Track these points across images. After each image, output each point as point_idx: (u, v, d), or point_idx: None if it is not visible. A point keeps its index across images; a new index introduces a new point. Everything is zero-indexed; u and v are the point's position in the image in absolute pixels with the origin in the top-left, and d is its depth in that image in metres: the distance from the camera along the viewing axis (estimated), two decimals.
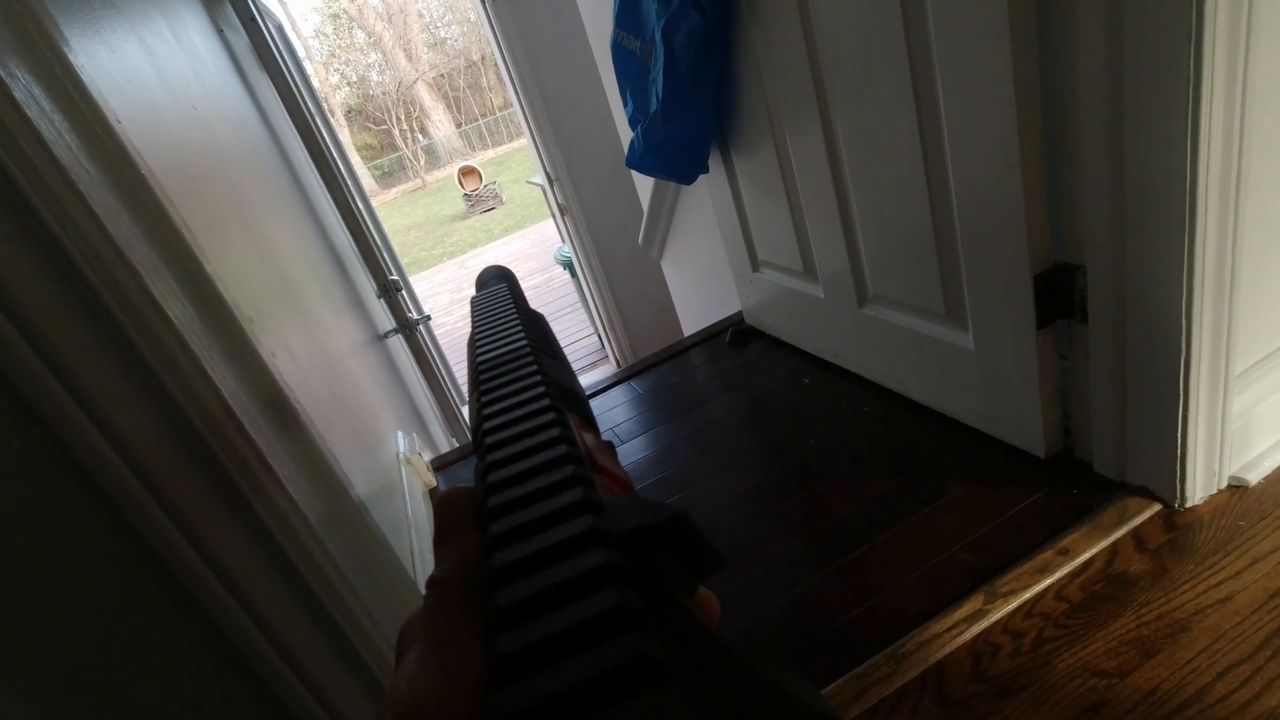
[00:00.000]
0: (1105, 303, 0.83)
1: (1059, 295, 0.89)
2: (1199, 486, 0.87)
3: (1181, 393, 0.80)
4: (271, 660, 0.47)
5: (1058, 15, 0.75)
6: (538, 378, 0.21)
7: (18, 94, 0.34)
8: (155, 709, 0.42)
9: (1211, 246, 0.73)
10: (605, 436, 1.50)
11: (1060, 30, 0.75)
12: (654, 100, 1.29)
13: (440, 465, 1.62)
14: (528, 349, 0.23)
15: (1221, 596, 0.77)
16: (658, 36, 1.21)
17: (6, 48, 0.37)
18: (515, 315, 0.27)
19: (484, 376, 0.22)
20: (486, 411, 0.20)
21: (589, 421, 0.25)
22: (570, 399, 0.23)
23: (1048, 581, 0.85)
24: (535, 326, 0.27)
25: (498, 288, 0.32)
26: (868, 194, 1.11)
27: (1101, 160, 0.76)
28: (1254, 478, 0.88)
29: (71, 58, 0.43)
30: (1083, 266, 0.85)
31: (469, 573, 0.17)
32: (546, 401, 0.20)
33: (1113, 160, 0.75)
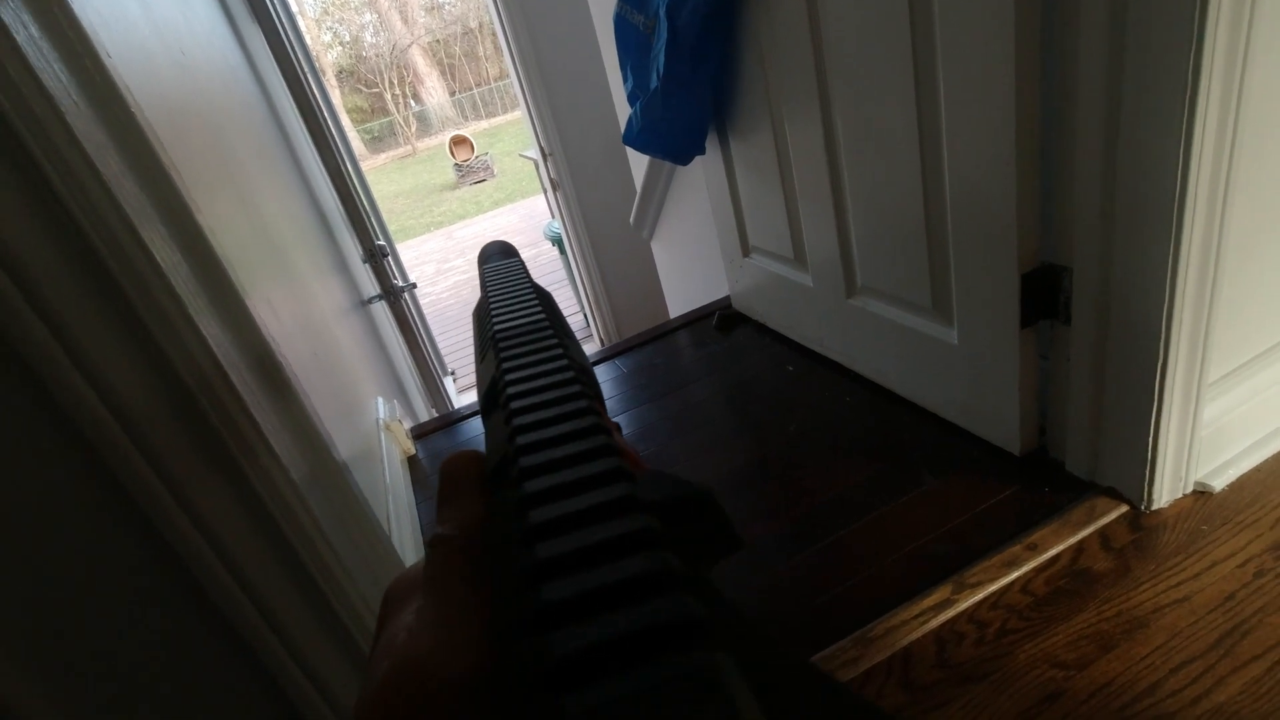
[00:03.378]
0: (1089, 306, 0.85)
1: (1044, 295, 0.90)
2: (1165, 490, 0.89)
3: (1156, 399, 0.82)
4: (247, 612, 0.47)
5: (1062, 18, 0.75)
6: (559, 349, 0.21)
7: (6, 17, 0.33)
8: (128, 658, 0.42)
9: (1195, 257, 0.74)
10: None
11: (1063, 33, 0.75)
12: (654, 77, 1.27)
13: (420, 434, 1.62)
14: (546, 322, 0.23)
15: (1180, 596, 0.79)
16: (662, 12, 1.20)
17: None
18: (532, 289, 0.27)
19: (505, 344, 0.22)
20: (511, 377, 0.20)
21: (600, 401, 0.26)
22: (585, 375, 0.23)
23: (1014, 575, 0.87)
24: (548, 303, 0.27)
25: (511, 261, 0.32)
26: (862, 184, 1.12)
27: (1094, 165, 0.77)
28: (1219, 484, 0.90)
29: None
30: (1069, 269, 0.86)
31: (473, 534, 0.17)
32: (571, 373, 0.20)
33: (1105, 166, 0.76)
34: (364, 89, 18.36)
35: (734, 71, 1.30)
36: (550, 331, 0.22)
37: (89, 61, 0.40)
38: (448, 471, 0.20)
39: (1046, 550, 0.89)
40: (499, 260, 0.34)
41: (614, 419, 1.49)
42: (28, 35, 0.35)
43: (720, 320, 1.69)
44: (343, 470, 0.63)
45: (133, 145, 0.43)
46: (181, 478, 0.42)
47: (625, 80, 1.40)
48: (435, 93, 18.77)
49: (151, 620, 0.44)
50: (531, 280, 0.29)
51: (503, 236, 7.57)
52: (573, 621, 0.12)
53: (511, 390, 0.19)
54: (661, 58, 1.23)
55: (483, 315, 0.26)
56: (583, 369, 0.23)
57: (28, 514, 0.38)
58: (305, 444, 0.53)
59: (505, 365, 0.21)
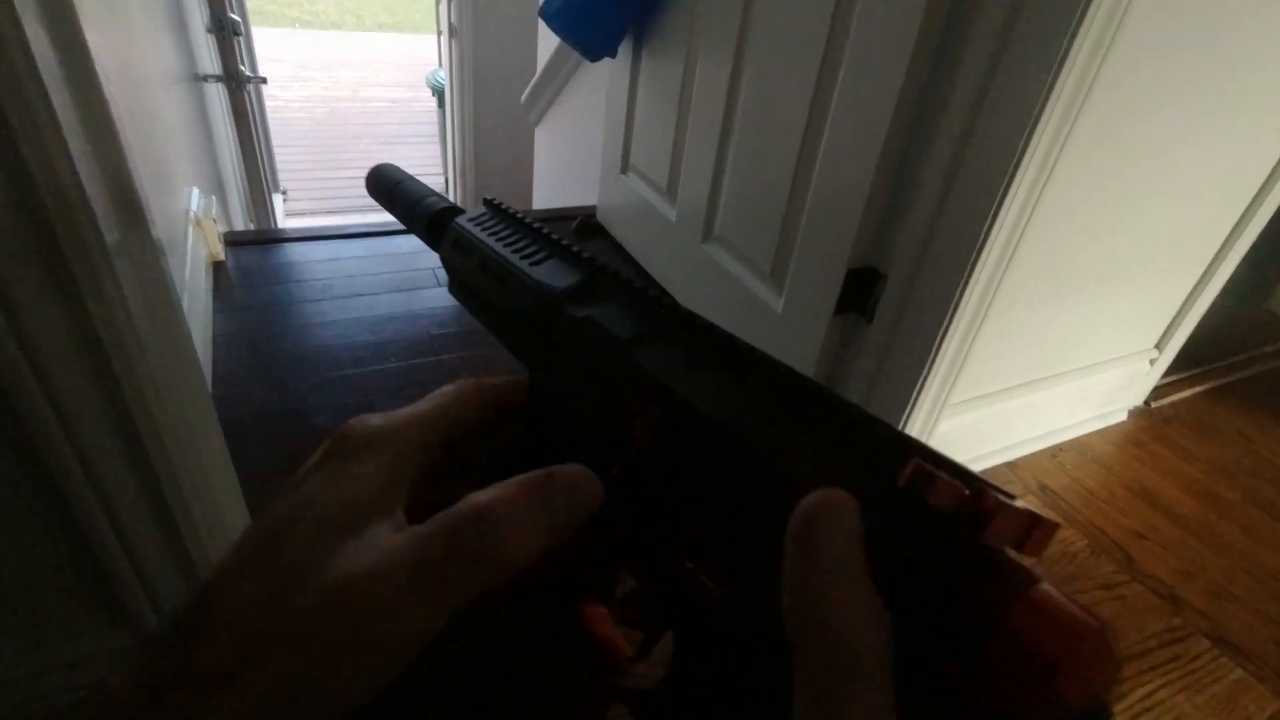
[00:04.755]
0: (889, 312, 0.98)
1: (860, 293, 1.03)
2: None
3: (911, 401, 0.97)
4: (40, 408, 0.43)
5: (947, 62, 0.83)
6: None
7: None
8: None
9: (974, 298, 0.88)
10: (424, 276, 1.46)
11: (944, 77, 0.84)
12: None
13: (234, 241, 1.48)
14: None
15: None
16: None
17: None
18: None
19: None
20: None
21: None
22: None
23: None
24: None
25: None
26: (747, 142, 1.17)
27: (932, 199, 0.88)
28: None
29: None
30: (886, 276, 0.98)
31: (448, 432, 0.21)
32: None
33: (938, 202, 0.87)
34: None
35: None
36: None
37: None
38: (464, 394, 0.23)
39: None
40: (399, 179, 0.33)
41: (435, 288, 1.45)
42: None
43: (580, 226, 1.70)
44: (159, 251, 0.57)
45: None
46: None
47: None
48: None
49: None
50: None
51: (379, 68, 6.80)
52: None
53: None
54: None
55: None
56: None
57: None
58: (119, 199, 0.48)
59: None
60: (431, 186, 0.34)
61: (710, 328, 0.21)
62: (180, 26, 1.77)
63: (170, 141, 1.31)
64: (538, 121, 2.30)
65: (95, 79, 0.47)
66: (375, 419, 0.20)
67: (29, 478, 0.50)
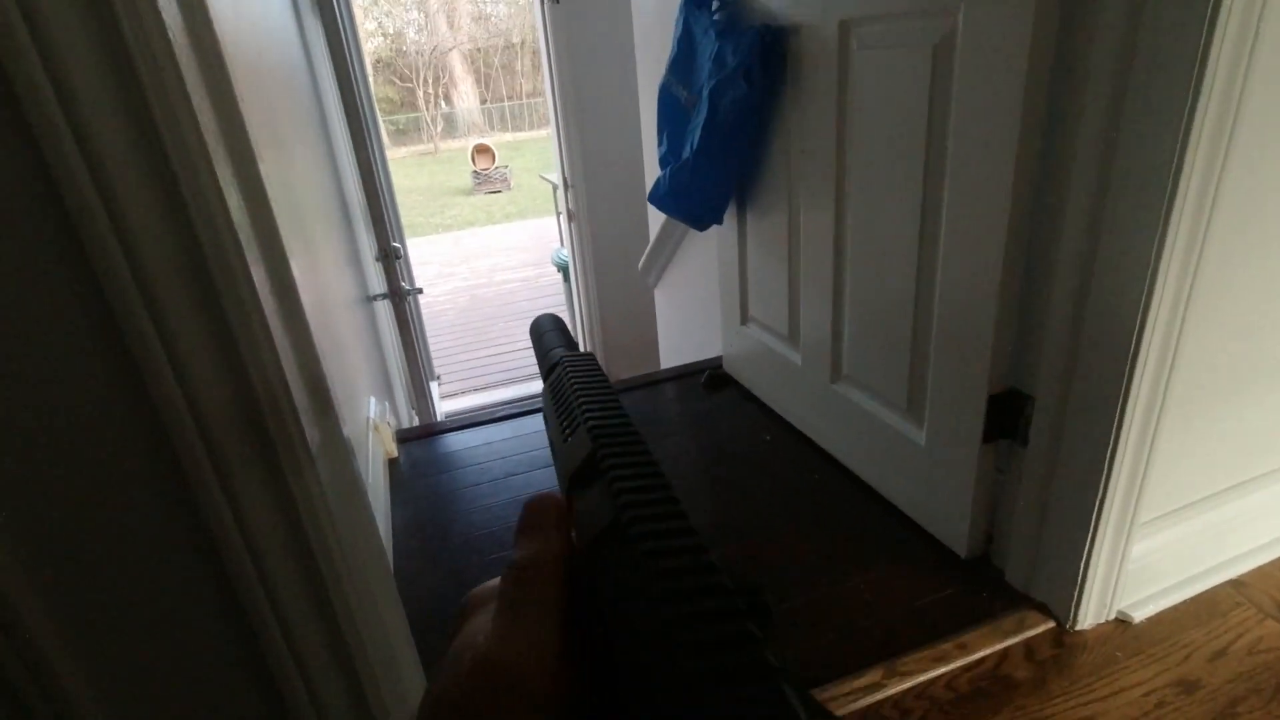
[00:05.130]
0: (1044, 434, 0.93)
1: (1008, 417, 0.99)
2: (1090, 614, 0.97)
3: (1091, 528, 0.89)
4: (244, 563, 0.52)
5: (1056, 179, 0.85)
6: (662, 478, 0.21)
7: None
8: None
9: (1141, 406, 0.83)
10: None
11: (1055, 192, 0.85)
12: (688, 148, 1.37)
13: (403, 439, 1.66)
14: (643, 444, 0.24)
15: (1086, 715, 0.86)
16: (705, 93, 1.30)
17: None
18: (620, 408, 0.27)
19: (624, 433, 0.24)
20: (623, 462, 0.22)
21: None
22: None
23: (942, 670, 0.93)
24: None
25: (592, 360, 0.32)
26: (862, 281, 1.20)
27: (1066, 310, 0.85)
28: (1139, 616, 0.98)
29: None
30: (1033, 397, 0.94)
31: (551, 564, 0.20)
32: (680, 508, 0.20)
33: (1075, 313, 0.85)
34: (398, 82, 18.60)
35: (762, 156, 1.40)
36: (646, 449, 0.23)
37: (199, 16, 0.47)
38: (533, 508, 0.22)
39: (975, 651, 0.95)
40: (556, 335, 0.37)
41: None
42: None
43: (709, 379, 1.76)
44: (350, 452, 0.67)
45: (218, 86, 0.49)
46: (205, 406, 0.47)
47: (660, 143, 1.50)
48: (467, 97, 19.05)
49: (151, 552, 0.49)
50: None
51: (510, 252, 7.56)
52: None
53: (631, 476, 0.21)
54: (698, 133, 1.32)
55: (570, 391, 0.28)
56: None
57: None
58: (319, 409, 0.58)
59: (628, 453, 0.23)
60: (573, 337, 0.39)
61: (684, 532, 0.19)
62: (356, 259, 2.11)
63: (353, 358, 1.54)
64: (656, 284, 2.46)
65: (300, 307, 0.59)
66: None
67: (235, 641, 0.57)
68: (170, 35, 0.43)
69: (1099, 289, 0.81)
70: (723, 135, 1.31)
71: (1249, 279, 0.85)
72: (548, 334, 0.38)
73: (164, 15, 0.43)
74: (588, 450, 0.23)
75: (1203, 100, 0.68)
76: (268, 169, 0.60)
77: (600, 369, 0.31)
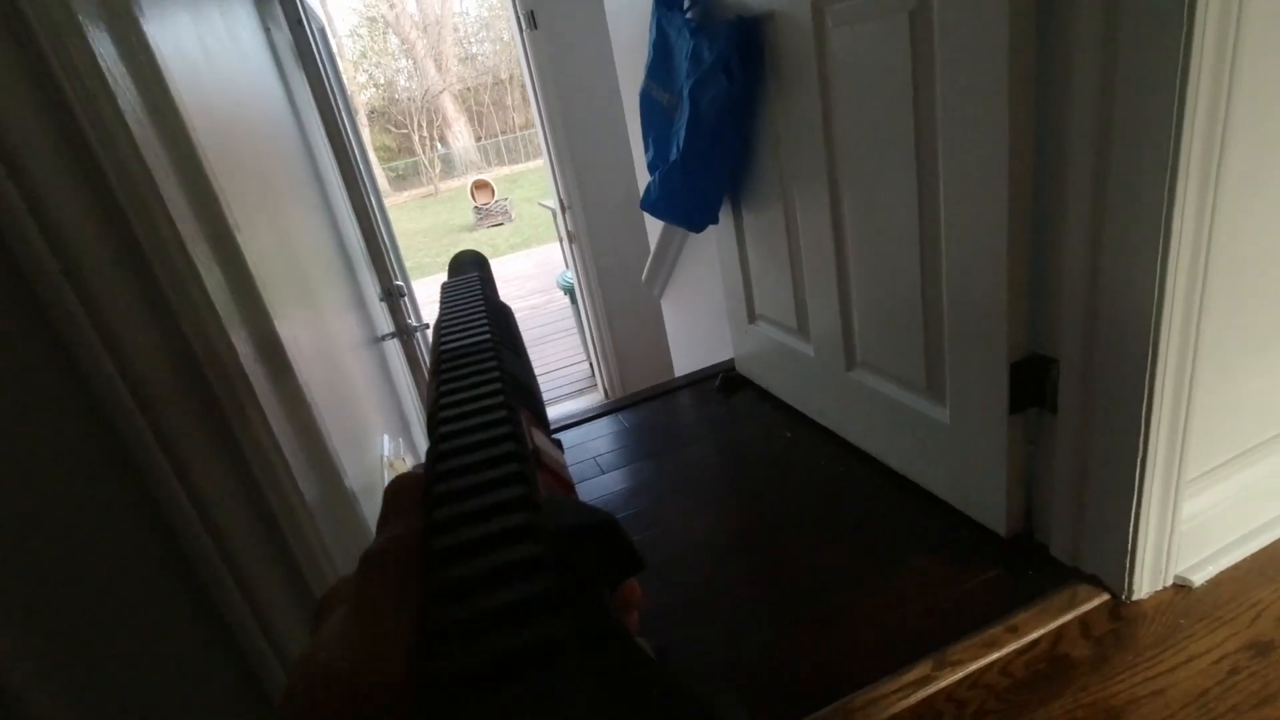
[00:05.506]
0: (1073, 397, 0.89)
1: (1032, 384, 0.94)
2: (1146, 582, 0.91)
3: (1136, 491, 0.85)
4: (254, 633, 0.50)
5: (1054, 131, 0.81)
6: (495, 373, 0.22)
7: (94, 45, 0.39)
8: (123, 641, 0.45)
9: (1173, 359, 0.78)
10: (588, 465, 1.53)
11: (1054, 146, 0.82)
12: (674, 150, 1.35)
13: None
14: (489, 343, 0.24)
15: (1155, 690, 0.81)
16: (686, 93, 1.28)
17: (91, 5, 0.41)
18: (482, 306, 0.27)
19: (445, 366, 0.23)
20: (443, 401, 0.21)
21: (540, 417, 0.26)
22: (524, 395, 0.24)
23: (995, 656, 0.88)
24: (500, 319, 0.28)
25: (469, 276, 0.32)
26: (865, 266, 1.17)
27: (1081, 264, 0.82)
28: (1198, 579, 0.92)
29: (144, 24, 0.48)
30: (1056, 360, 0.90)
31: (404, 552, 0.18)
32: (500, 399, 0.20)
33: (1090, 266, 0.81)
34: (393, 129, 18.93)
35: (750, 152, 1.37)
36: (490, 353, 0.23)
37: (159, 94, 0.46)
38: (389, 491, 0.20)
39: (1027, 634, 0.90)
40: (468, 270, 0.34)
41: (610, 471, 1.51)
42: (109, 55, 0.41)
43: (723, 382, 1.73)
44: (353, 499, 0.66)
45: (188, 168, 0.48)
46: (202, 487, 0.45)
47: (646, 149, 1.48)
48: (461, 137, 19.34)
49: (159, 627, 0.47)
50: (485, 295, 0.29)
51: (517, 281, 7.63)
52: (453, 645, 0.13)
53: (441, 415, 0.20)
54: (682, 134, 1.30)
55: (434, 334, 0.27)
56: (520, 386, 0.23)
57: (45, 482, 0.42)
58: (318, 467, 0.56)
59: (440, 389, 0.22)
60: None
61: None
62: (360, 302, 2.12)
63: (363, 401, 1.53)
64: (661, 294, 2.44)
65: (295, 376, 0.57)
66: None
67: (230, 667, 0.54)
68: (130, 125, 0.42)
69: (1113, 237, 0.78)
70: (708, 133, 1.29)
71: (1273, 206, 0.80)
72: (458, 271, 0.34)
73: (120, 102, 0.42)
74: (433, 391, 0.22)
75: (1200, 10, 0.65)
76: (249, 235, 0.59)
77: (475, 285, 0.28)
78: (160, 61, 0.49)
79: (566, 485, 0.23)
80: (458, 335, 0.25)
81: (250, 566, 0.50)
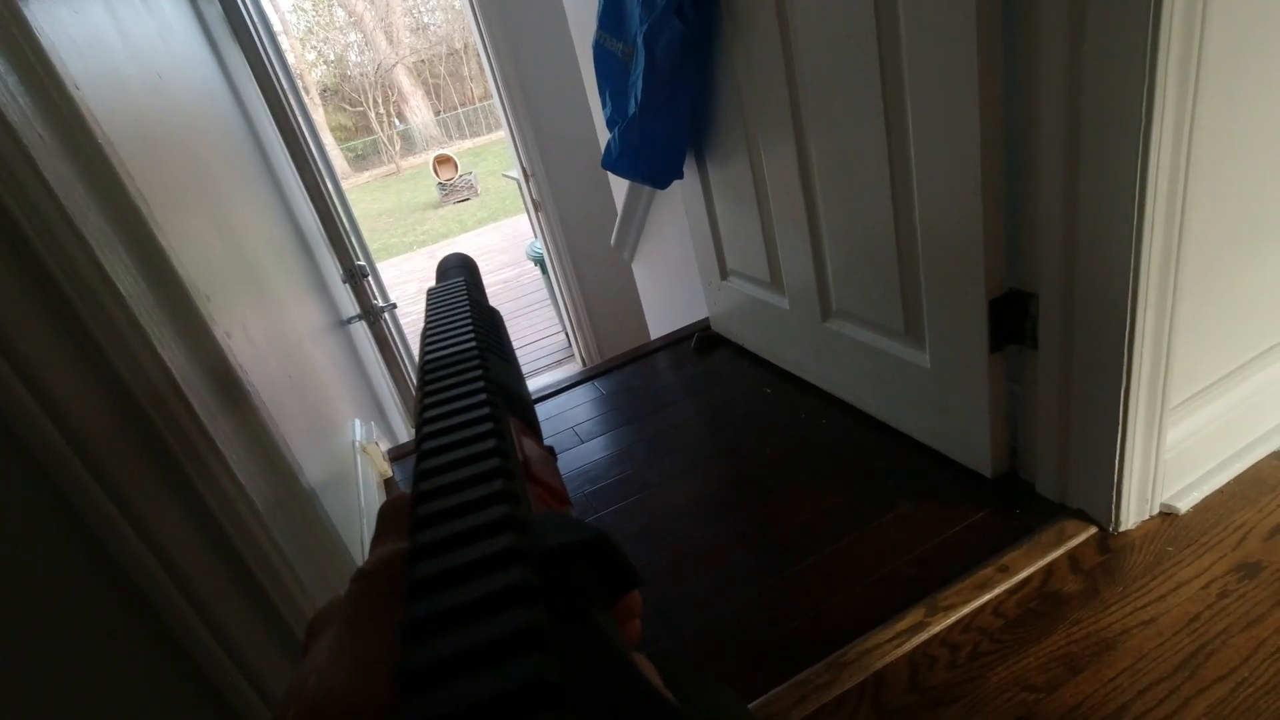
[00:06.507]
0: (1054, 331, 0.87)
1: (1012, 321, 0.92)
2: (1132, 512, 0.91)
3: (1120, 422, 0.83)
4: (209, 647, 0.46)
5: (1023, 54, 0.77)
6: (481, 383, 0.21)
7: None
8: (86, 690, 0.41)
9: (1154, 285, 0.76)
10: (567, 435, 1.50)
11: (1024, 69, 0.78)
12: (632, 103, 1.29)
13: (397, 456, 1.60)
14: (475, 351, 0.23)
15: (1146, 618, 0.80)
16: (640, 41, 1.22)
17: None
18: (468, 313, 0.26)
19: (429, 377, 0.22)
20: (426, 415, 0.20)
21: (531, 425, 0.25)
22: (514, 403, 0.23)
23: (986, 597, 0.88)
24: (488, 324, 0.27)
25: (455, 281, 0.32)
26: (836, 211, 1.13)
27: (1057, 195, 0.79)
28: (1184, 506, 0.92)
29: (29, 16, 0.42)
30: (1035, 295, 0.88)
31: (396, 571, 0.17)
32: (486, 410, 0.20)
33: (1067, 196, 0.78)
34: (348, 107, 18.38)
35: (710, 99, 1.32)
36: (476, 362, 0.22)
37: (55, 94, 0.40)
38: (383, 511, 0.20)
39: (1018, 572, 0.90)
40: (454, 275, 0.33)
41: (590, 440, 1.48)
42: None
43: (699, 342, 1.70)
44: (311, 497, 0.62)
45: (99, 176, 0.43)
46: (137, 501, 0.41)
47: (604, 106, 1.42)
48: (420, 112, 18.83)
49: (112, 652, 0.43)
50: (472, 300, 0.28)
51: (486, 255, 7.55)
52: (432, 686, 0.12)
53: (424, 430, 0.19)
54: (639, 85, 1.25)
55: (420, 342, 0.26)
56: (510, 394, 0.22)
57: None
58: (270, 470, 0.52)
59: (425, 402, 0.21)
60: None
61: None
62: (322, 286, 2.05)
63: (329, 388, 1.47)
64: (632, 257, 2.39)
65: (244, 390, 0.53)
66: None
67: (188, 684, 0.51)
68: (19, 133, 0.36)
69: (1088, 161, 0.75)
70: (666, 82, 1.24)
71: (1253, 124, 0.77)
72: (443, 276, 0.33)
73: (6, 112, 0.36)
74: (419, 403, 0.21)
75: None
76: (179, 234, 0.54)
77: (462, 291, 0.27)
78: (46, 45, 0.43)
79: (559, 496, 0.23)
80: (441, 344, 0.24)
81: (200, 576, 0.47)
